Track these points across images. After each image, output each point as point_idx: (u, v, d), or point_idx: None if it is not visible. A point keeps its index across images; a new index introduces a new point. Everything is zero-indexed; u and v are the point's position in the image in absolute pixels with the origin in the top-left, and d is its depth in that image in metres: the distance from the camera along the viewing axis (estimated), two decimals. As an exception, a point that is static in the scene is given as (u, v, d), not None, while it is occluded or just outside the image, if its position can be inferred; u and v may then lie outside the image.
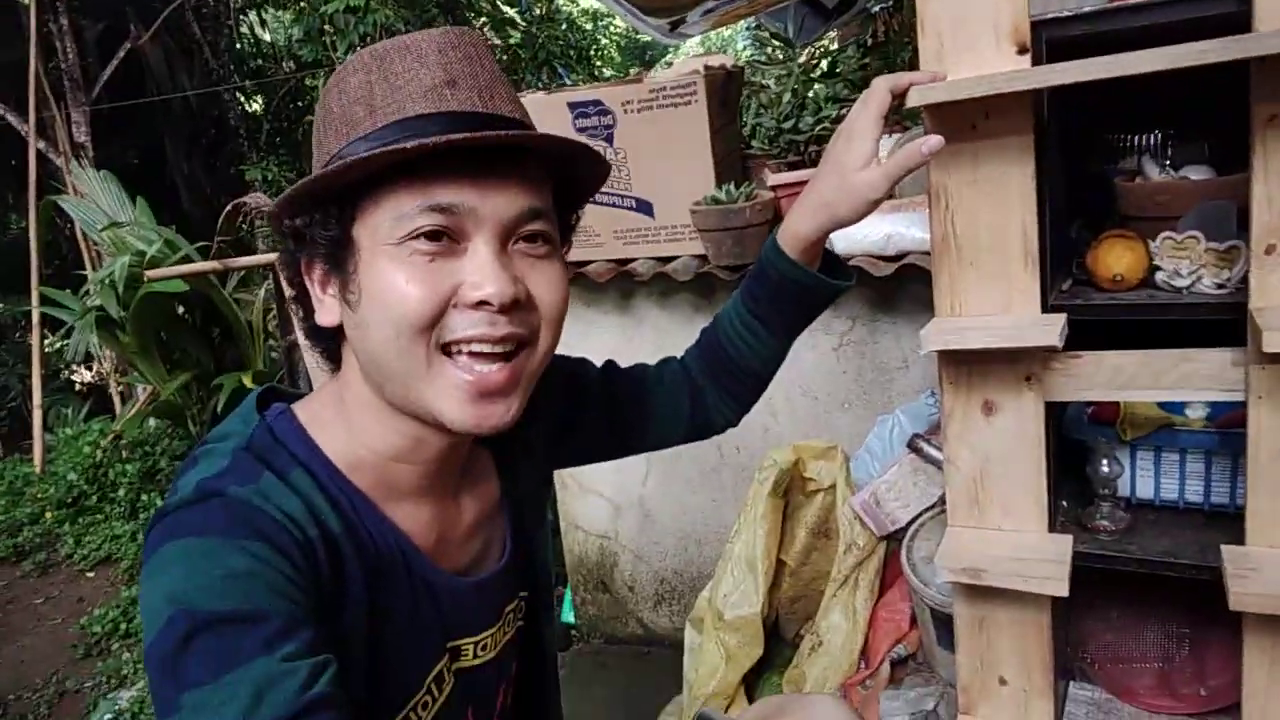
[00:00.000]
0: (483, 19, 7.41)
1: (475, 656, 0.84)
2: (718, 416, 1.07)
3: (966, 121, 1.13)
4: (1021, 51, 1.07)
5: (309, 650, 0.59)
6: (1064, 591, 1.16)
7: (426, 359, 0.68)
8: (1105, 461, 1.33)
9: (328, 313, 0.74)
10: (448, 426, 0.71)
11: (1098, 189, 1.39)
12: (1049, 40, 1.11)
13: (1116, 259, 1.22)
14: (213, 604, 0.58)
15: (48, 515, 4.63)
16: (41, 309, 5.34)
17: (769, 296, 0.98)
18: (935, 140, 0.87)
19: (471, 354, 0.69)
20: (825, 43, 3.72)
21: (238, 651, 0.56)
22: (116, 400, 5.86)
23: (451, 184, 0.67)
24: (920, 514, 1.91)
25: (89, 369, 7.16)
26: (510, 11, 7.68)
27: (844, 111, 3.38)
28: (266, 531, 0.63)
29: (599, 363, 1.06)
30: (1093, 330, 1.21)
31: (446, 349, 0.69)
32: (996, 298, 1.18)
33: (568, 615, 2.92)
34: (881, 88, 0.92)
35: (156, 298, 4.46)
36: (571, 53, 7.45)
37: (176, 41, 7.52)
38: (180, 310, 4.84)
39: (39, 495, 4.82)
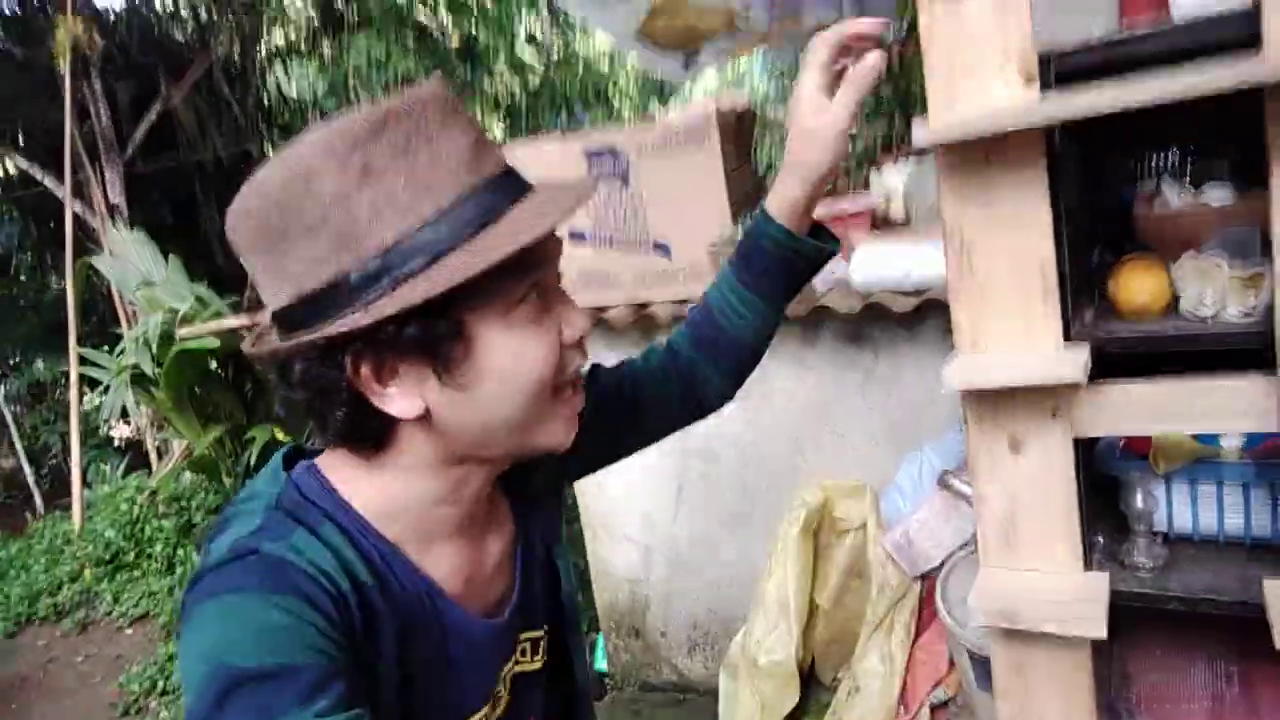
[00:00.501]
0: (500, 65, 7.54)
1: (503, 698, 0.85)
2: (712, 394, 1.05)
3: (978, 155, 1.11)
4: (1029, 81, 1.06)
5: (342, 704, 0.59)
6: (1102, 633, 1.12)
7: (551, 405, 0.73)
8: (1140, 495, 1.29)
9: (403, 404, 0.69)
10: (549, 450, 0.76)
11: (1117, 214, 1.36)
12: (1057, 69, 1.09)
13: (1139, 287, 1.19)
14: (248, 661, 0.59)
15: (86, 573, 4.69)
16: (79, 368, 5.45)
17: (761, 266, 0.96)
18: (875, 57, 0.86)
19: (574, 383, 0.76)
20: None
21: (272, 707, 0.57)
22: (153, 456, 5.95)
23: (542, 247, 0.69)
24: (953, 552, 1.87)
25: (127, 423, 7.30)
26: (528, 58, 7.81)
27: (859, 147, 3.39)
28: (300, 586, 0.64)
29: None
30: (1119, 359, 1.18)
31: (558, 388, 0.74)
32: (1017, 332, 1.16)
33: (600, 663, 2.89)
34: (820, 42, 0.90)
35: (189, 354, 4.53)
36: (589, 93, 7.55)
37: (206, 100, 7.73)
38: (213, 365, 4.91)
39: (78, 553, 4.89)
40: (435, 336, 0.66)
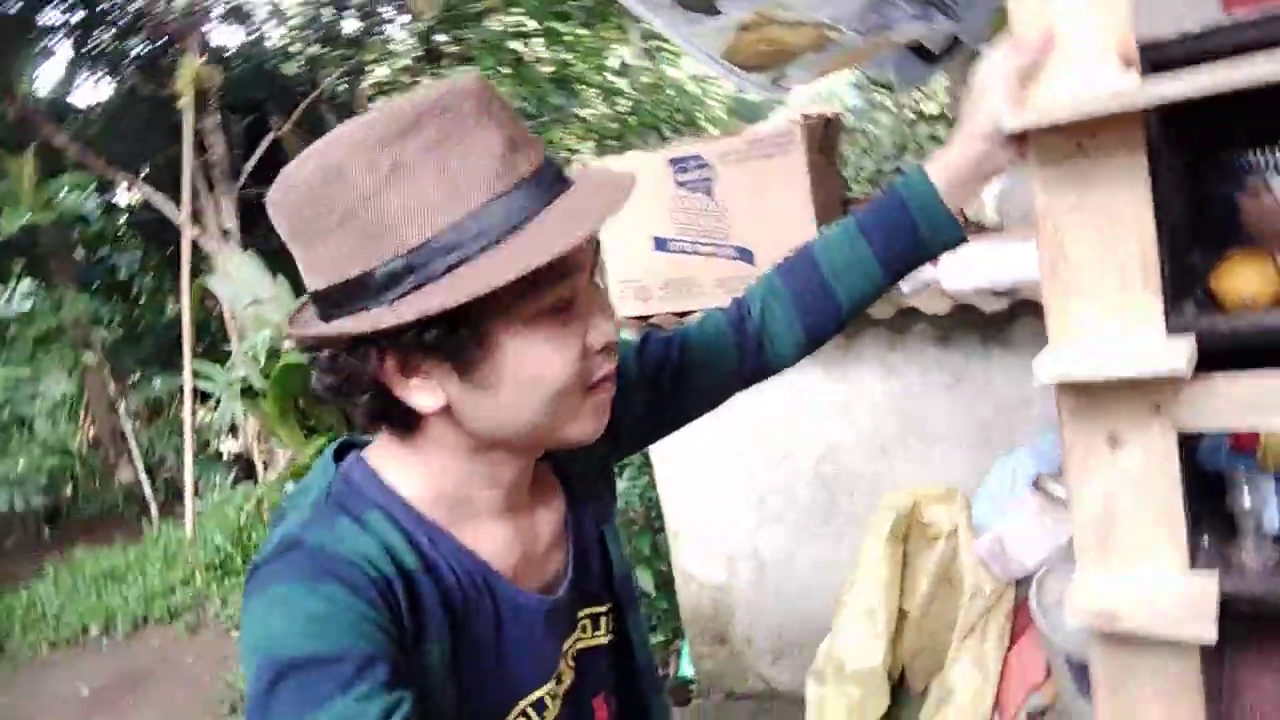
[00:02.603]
0: (593, 90, 7.70)
1: (567, 674, 0.85)
2: (779, 355, 0.99)
3: (1071, 143, 1.09)
4: (1128, 65, 1.04)
5: (384, 688, 0.61)
6: (1212, 635, 1.06)
7: (575, 407, 0.73)
8: (1248, 493, 1.24)
9: (424, 398, 0.70)
10: (577, 443, 0.76)
11: (1220, 210, 1.32)
12: (1154, 59, 1.07)
13: (1245, 280, 1.15)
14: (292, 650, 0.61)
15: (197, 577, 4.95)
16: (193, 382, 5.76)
17: (904, 241, 0.93)
18: None
19: (602, 384, 0.75)
20: (930, 87, 3.70)
21: (316, 693, 0.59)
22: (259, 467, 6.23)
23: (571, 256, 0.67)
24: (1048, 557, 1.81)
25: (235, 438, 7.65)
26: (620, 82, 7.95)
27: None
28: (341, 574, 0.65)
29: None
30: (1219, 360, 1.13)
31: (587, 389, 0.74)
32: (1115, 325, 1.13)
33: (685, 669, 2.89)
34: (1014, 47, 0.91)
35: (294, 368, 4.74)
36: (679, 116, 7.64)
37: (313, 131, 8.11)
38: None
39: (190, 558, 5.15)
40: (455, 341, 0.66)
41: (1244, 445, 1.33)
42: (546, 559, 0.84)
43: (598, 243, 0.74)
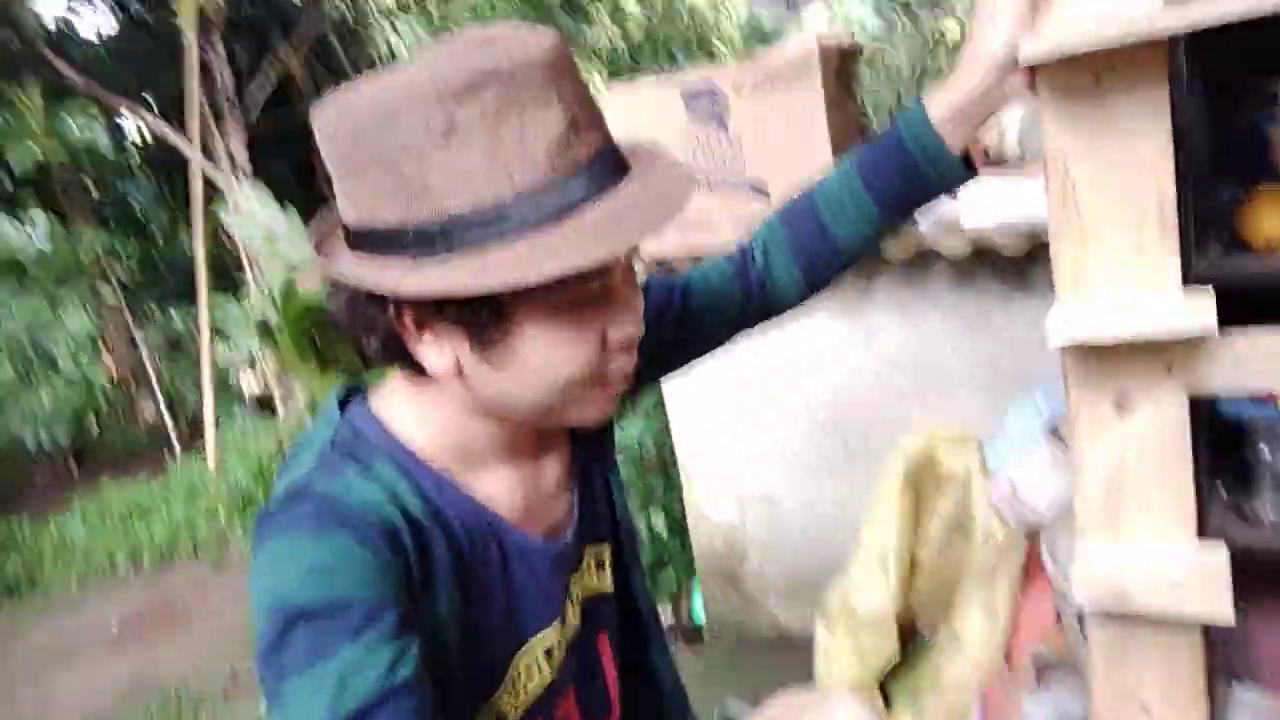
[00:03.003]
0: (602, 16, 7.47)
1: (573, 617, 0.85)
2: (785, 296, 0.98)
3: (1087, 75, 1.01)
4: None
5: (391, 634, 0.62)
6: (1227, 617, 1.01)
7: (582, 396, 0.72)
8: (1266, 444, 1.20)
9: (434, 357, 0.69)
10: (577, 425, 0.76)
11: (1249, 142, 1.24)
12: None
13: (1274, 219, 1.08)
14: (301, 598, 0.61)
15: (221, 511, 5.03)
16: (210, 318, 5.77)
17: (895, 171, 0.89)
18: None
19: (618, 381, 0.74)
20: (952, 5, 3.54)
21: (325, 641, 0.60)
22: (279, 403, 6.28)
23: None
24: (1062, 505, 1.78)
25: (254, 375, 7.71)
26: (631, 4, 7.71)
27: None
28: (349, 521, 0.65)
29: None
30: (1247, 305, 1.07)
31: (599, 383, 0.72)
32: (1129, 277, 1.05)
33: (697, 612, 2.91)
34: None
35: (310, 308, 4.73)
36: (693, 42, 7.41)
37: (321, 60, 7.96)
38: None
39: (213, 491, 5.24)
40: (474, 317, 0.66)
41: (1266, 395, 1.27)
42: (552, 504, 0.85)
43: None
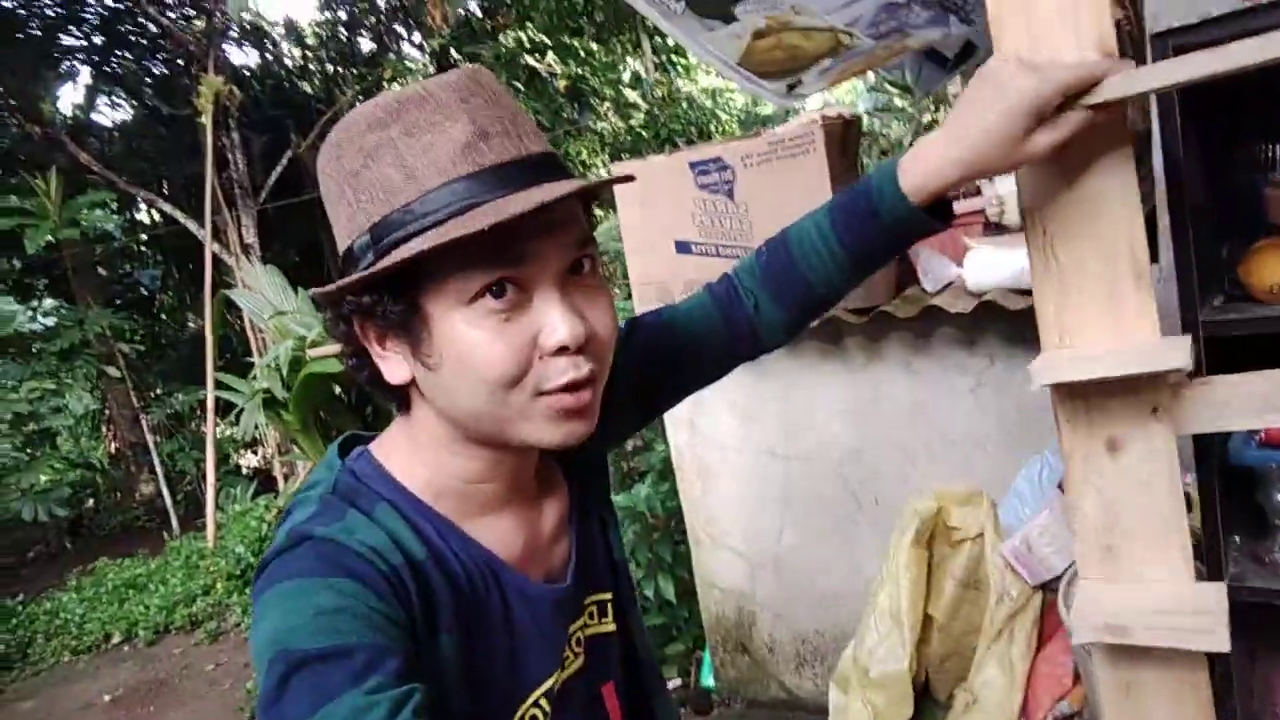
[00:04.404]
0: (606, 105, 7.74)
1: (573, 660, 0.85)
2: (766, 335, 0.98)
3: None
4: (1108, 57, 1.01)
5: (395, 680, 0.61)
6: (1224, 645, 1.02)
7: (521, 406, 0.71)
8: (1278, 490, 1.22)
9: (394, 370, 0.73)
10: (544, 447, 0.74)
11: (1246, 201, 1.31)
12: (1176, 49, 1.06)
13: (1272, 269, 1.14)
14: (304, 643, 0.61)
15: (218, 586, 4.98)
16: (215, 393, 5.81)
17: (864, 227, 0.89)
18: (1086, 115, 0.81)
19: (560, 391, 0.71)
20: (948, 89, 3.69)
21: (327, 687, 0.59)
22: (280, 479, 6.26)
23: (514, 242, 0.67)
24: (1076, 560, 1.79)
25: (254, 453, 7.70)
26: (633, 95, 8.00)
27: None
28: (351, 567, 0.66)
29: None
30: (1254, 351, 1.11)
31: (538, 393, 0.71)
32: (1108, 324, 1.08)
33: (707, 678, 2.86)
34: (1055, 77, 0.80)
35: (316, 378, 4.77)
36: (692, 129, 7.67)
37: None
38: (337, 390, 5.16)
39: (211, 568, 5.18)
40: (390, 312, 0.69)
41: (1274, 440, 1.31)
42: (551, 548, 0.85)
43: (582, 240, 0.72)
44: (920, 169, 0.84)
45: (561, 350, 0.69)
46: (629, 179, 0.78)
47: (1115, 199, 1.02)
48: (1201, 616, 1.03)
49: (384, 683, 0.60)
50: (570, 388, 0.71)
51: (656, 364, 0.96)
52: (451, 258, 0.66)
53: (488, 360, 0.68)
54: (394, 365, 0.73)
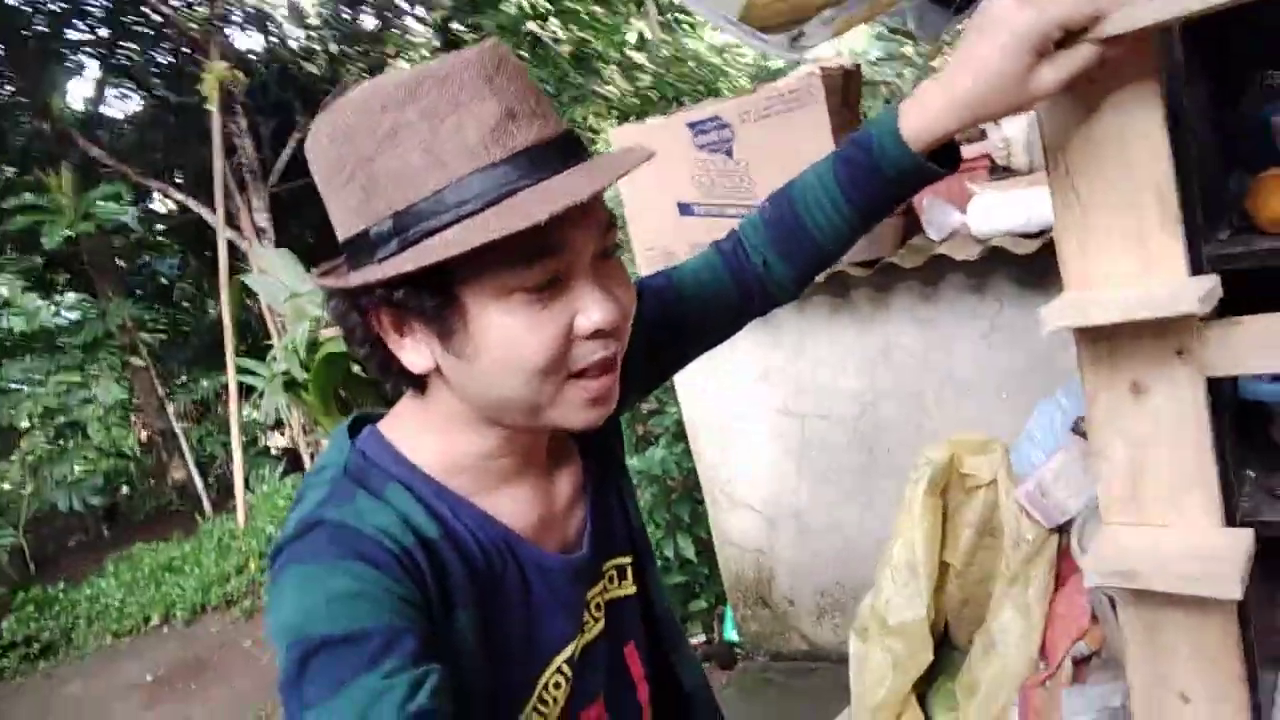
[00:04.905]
0: (612, 67, 7.66)
1: (593, 625, 0.85)
2: (776, 291, 0.98)
3: None
4: None
5: (411, 662, 0.61)
6: (1234, 593, 0.99)
7: (556, 391, 0.71)
8: (1294, 423, 1.20)
9: (415, 358, 0.72)
10: (571, 429, 0.74)
11: (1255, 133, 1.28)
12: None
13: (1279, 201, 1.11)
14: (321, 628, 0.61)
15: (250, 565, 5.08)
16: (237, 377, 5.88)
17: (868, 180, 0.88)
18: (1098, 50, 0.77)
19: (591, 373, 0.71)
20: (950, 36, 3.62)
21: (344, 672, 0.60)
22: (307, 459, 6.34)
23: (552, 232, 0.65)
24: (1091, 501, 1.78)
25: (281, 434, 7.80)
26: (639, 57, 7.91)
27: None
28: (363, 550, 0.66)
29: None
30: (1263, 286, 1.08)
31: (570, 375, 0.71)
32: (1133, 264, 1.04)
33: (730, 633, 2.89)
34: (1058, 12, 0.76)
35: (334, 358, 4.80)
36: (701, 88, 7.58)
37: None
38: (354, 368, 5.20)
39: (242, 548, 5.29)
40: (426, 305, 0.67)
41: (1289, 372, 1.28)
42: (566, 518, 0.85)
43: (611, 219, 0.72)
44: (922, 116, 0.82)
45: (598, 334, 0.69)
46: (651, 156, 0.74)
47: (1140, 136, 0.99)
48: (1217, 563, 1.01)
49: (401, 664, 0.60)
50: (597, 368, 0.71)
51: (666, 327, 0.95)
52: (491, 250, 0.63)
53: (529, 350, 0.67)
54: (414, 353, 0.71)
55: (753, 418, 2.64)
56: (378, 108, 0.66)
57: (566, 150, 0.69)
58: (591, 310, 0.68)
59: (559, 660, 0.79)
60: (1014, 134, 2.32)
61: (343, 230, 0.71)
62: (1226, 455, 1.10)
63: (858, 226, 0.93)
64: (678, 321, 0.96)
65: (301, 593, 0.64)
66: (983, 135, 2.40)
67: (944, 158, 0.87)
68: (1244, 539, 1.04)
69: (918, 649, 2.04)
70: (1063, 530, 1.89)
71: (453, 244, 0.63)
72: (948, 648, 2.17)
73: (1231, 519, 1.08)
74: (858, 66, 2.49)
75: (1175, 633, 1.13)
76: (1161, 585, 1.05)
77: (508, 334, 0.67)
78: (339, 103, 0.69)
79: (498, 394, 0.70)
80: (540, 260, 0.66)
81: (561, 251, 0.67)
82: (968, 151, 2.24)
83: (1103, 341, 1.09)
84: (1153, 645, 1.16)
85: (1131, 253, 1.04)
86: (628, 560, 0.91)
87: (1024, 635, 1.85)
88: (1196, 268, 1.06)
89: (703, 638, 3.00)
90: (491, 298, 0.66)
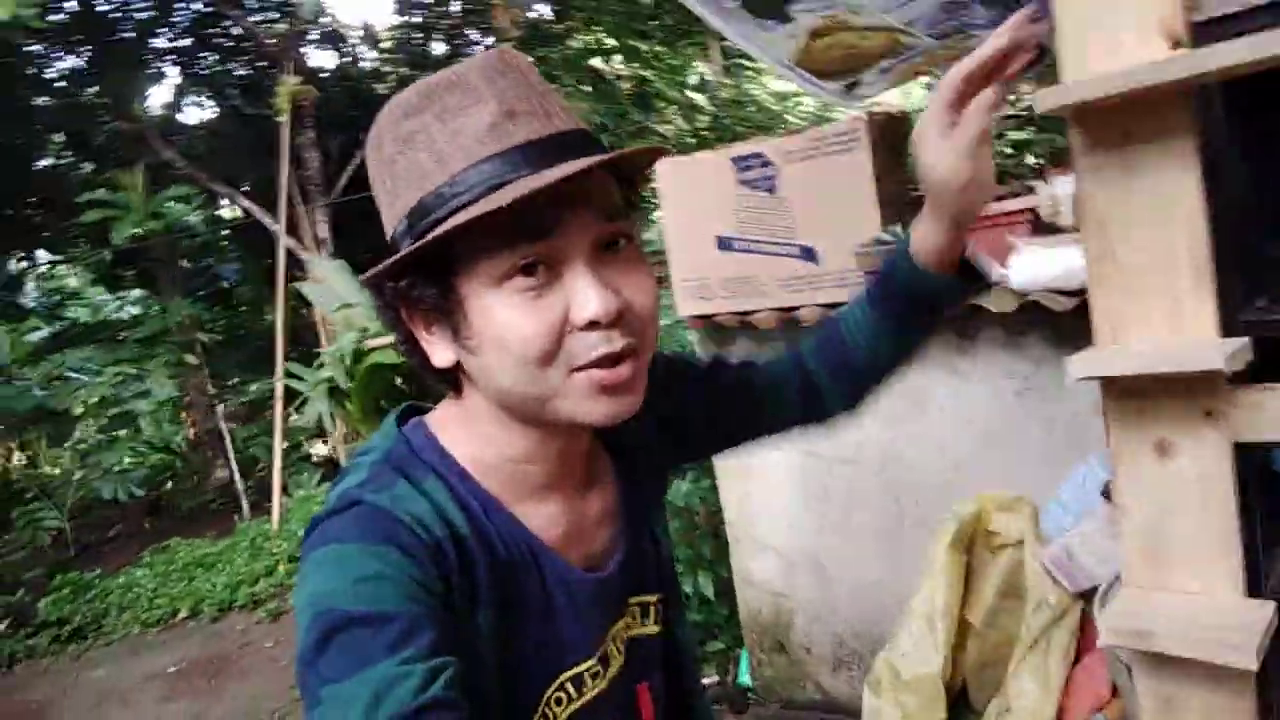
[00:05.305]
0: (671, 107, 7.75)
1: (617, 657, 0.85)
2: (832, 407, 1.03)
3: (1116, 128, 1.04)
4: (1175, 46, 0.98)
5: (429, 652, 0.61)
6: (1250, 664, 0.97)
7: (558, 383, 0.71)
8: (1322, 495, 1.16)
9: (440, 354, 0.74)
10: (585, 425, 0.74)
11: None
12: (1211, 33, 1.02)
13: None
14: (347, 606, 0.62)
15: (280, 568, 5.16)
16: (284, 381, 6.01)
17: (895, 298, 0.94)
18: (987, 95, 0.82)
19: (597, 366, 0.71)
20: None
21: (365, 652, 0.60)
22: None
23: (541, 218, 0.67)
24: (1118, 569, 1.73)
25: (324, 442, 7.93)
26: (699, 99, 7.99)
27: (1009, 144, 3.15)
28: (396, 536, 0.67)
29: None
30: None
31: (573, 369, 0.71)
32: (1163, 323, 1.04)
33: (744, 677, 2.85)
34: (949, 76, 0.83)
35: (378, 369, 4.90)
36: (759, 133, 7.62)
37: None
38: (398, 381, 5.28)
39: (274, 550, 5.37)
40: (425, 296, 0.70)
41: (1323, 447, 1.25)
42: (594, 536, 0.85)
43: (613, 213, 0.72)
44: (921, 238, 0.89)
45: (593, 325, 0.69)
46: (658, 151, 0.77)
47: (1176, 195, 0.98)
48: (1235, 631, 0.97)
49: (419, 653, 0.61)
50: (604, 362, 0.70)
51: (733, 407, 0.99)
52: (481, 238, 0.66)
53: (520, 338, 0.68)
54: (439, 349, 0.74)
55: (780, 459, 2.62)
56: (400, 115, 0.72)
57: (571, 145, 0.70)
58: (584, 301, 0.68)
59: (565, 676, 0.79)
60: (1062, 192, 2.30)
61: (386, 234, 0.75)
62: (1255, 524, 1.07)
63: (903, 345, 0.99)
64: (745, 402, 1.00)
65: (331, 570, 0.65)
66: (1029, 190, 2.38)
67: (968, 271, 0.92)
68: (1265, 610, 0.99)
69: (929, 705, 1.99)
70: (1088, 597, 1.84)
71: (439, 230, 0.66)
72: (966, 710, 2.12)
73: (1255, 589, 1.05)
74: (904, 113, 2.49)
75: (1191, 703, 1.08)
76: (1175, 648, 1.01)
77: (501, 324, 0.68)
78: (380, 112, 0.74)
79: (504, 385, 0.71)
80: (521, 243, 0.67)
81: (550, 237, 0.68)
82: (1010, 205, 2.22)
83: (1131, 399, 1.07)
84: (1168, 714, 1.10)
85: (1163, 312, 1.03)
86: (653, 599, 0.91)
87: (1040, 703, 1.80)
88: (1229, 332, 1.04)
89: (715, 679, 2.95)
90: (485, 287, 0.68)
